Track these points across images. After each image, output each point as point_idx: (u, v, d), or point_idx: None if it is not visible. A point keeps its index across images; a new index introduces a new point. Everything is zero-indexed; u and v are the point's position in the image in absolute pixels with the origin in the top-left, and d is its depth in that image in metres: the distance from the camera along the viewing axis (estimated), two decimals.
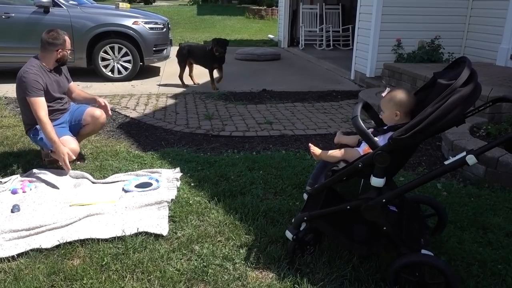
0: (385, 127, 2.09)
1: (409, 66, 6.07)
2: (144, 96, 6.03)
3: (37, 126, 3.32)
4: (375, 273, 2.12)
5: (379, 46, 6.61)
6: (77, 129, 3.62)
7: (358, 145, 2.23)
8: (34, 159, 3.59)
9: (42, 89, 3.23)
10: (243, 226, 2.58)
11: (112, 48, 6.86)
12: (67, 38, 3.39)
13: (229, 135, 4.41)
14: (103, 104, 3.54)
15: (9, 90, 6.07)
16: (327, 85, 6.90)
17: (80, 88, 6.36)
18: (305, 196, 2.57)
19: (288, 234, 2.22)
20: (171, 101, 5.77)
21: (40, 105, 3.20)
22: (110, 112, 3.61)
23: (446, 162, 1.85)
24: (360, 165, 1.97)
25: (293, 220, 2.24)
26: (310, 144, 2.27)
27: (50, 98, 3.36)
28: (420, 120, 1.81)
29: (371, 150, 2.00)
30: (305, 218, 2.18)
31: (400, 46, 6.64)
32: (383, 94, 2.12)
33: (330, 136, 4.37)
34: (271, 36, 13.84)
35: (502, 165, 3.12)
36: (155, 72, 7.86)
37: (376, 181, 1.94)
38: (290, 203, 2.86)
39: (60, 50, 3.36)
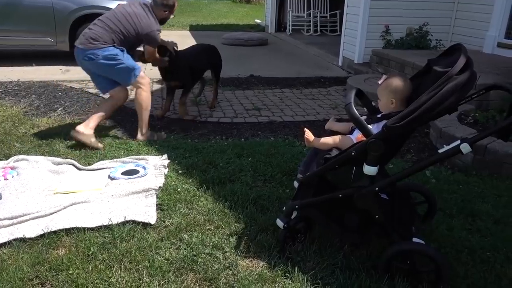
0: (379, 115, 2.06)
1: (397, 52, 6.05)
2: None
3: (120, 51, 3.51)
4: (366, 261, 2.12)
5: (368, 32, 6.57)
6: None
7: (351, 132, 2.19)
8: (15, 145, 3.48)
9: None
10: (233, 214, 2.54)
11: None
12: (176, 3, 3.74)
13: (217, 121, 4.35)
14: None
15: None
16: (315, 71, 6.86)
17: (61, 72, 6.25)
18: (296, 183, 2.54)
19: (279, 223, 2.19)
20: (157, 86, 5.65)
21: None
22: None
23: (440, 151, 1.83)
24: (353, 153, 1.94)
25: (284, 209, 2.21)
26: (305, 129, 2.22)
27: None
28: (415, 108, 1.78)
29: (364, 138, 1.97)
30: (297, 206, 2.15)
31: (389, 32, 6.61)
32: (380, 82, 2.09)
33: (319, 123, 4.34)
34: (258, 21, 13.68)
35: (490, 152, 3.14)
36: None
37: (369, 169, 1.92)
38: (280, 190, 2.83)
39: (167, 11, 3.69)
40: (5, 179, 2.91)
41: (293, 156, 3.37)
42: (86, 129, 3.48)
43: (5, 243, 2.24)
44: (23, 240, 2.26)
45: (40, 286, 1.97)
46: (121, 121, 4.25)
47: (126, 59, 3.55)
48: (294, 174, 3.04)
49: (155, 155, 3.35)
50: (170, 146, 3.55)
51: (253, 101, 5.09)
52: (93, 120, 3.55)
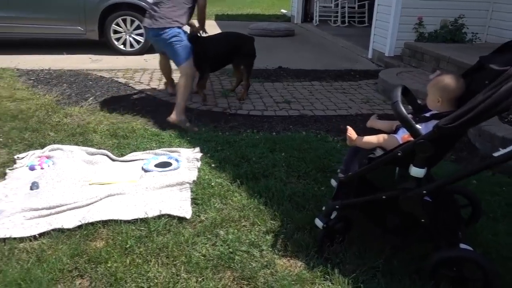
0: (428, 114, 1.97)
1: (431, 46, 5.87)
2: (157, 71, 5.84)
3: (183, 32, 3.87)
4: (409, 266, 2.05)
5: (400, 24, 6.38)
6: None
7: (395, 131, 2.11)
8: (50, 134, 3.51)
9: None
10: (268, 211, 2.50)
11: (124, 21, 6.68)
12: None
13: (247, 113, 4.30)
14: None
15: (20, 61, 5.96)
16: (344, 64, 6.72)
17: (91, 61, 6.29)
18: (333, 182, 2.49)
19: (318, 223, 2.13)
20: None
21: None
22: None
23: (495, 154, 1.74)
24: (399, 154, 1.87)
25: (323, 208, 2.16)
26: (348, 126, 2.15)
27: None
28: (470, 109, 1.69)
29: (411, 138, 1.90)
30: (337, 206, 2.09)
31: (422, 24, 6.40)
32: (431, 77, 2.01)
33: (351, 118, 4.26)
34: (284, 11, 13.51)
35: None
36: None
37: (417, 171, 1.84)
38: (315, 188, 2.77)
39: None
40: (41, 168, 2.94)
41: (327, 152, 3.30)
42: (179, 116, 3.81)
43: (44, 233, 2.26)
44: (61, 230, 2.28)
45: (80, 278, 1.98)
46: (152, 111, 4.24)
47: (186, 40, 3.89)
48: (328, 171, 2.98)
49: (187, 148, 3.33)
50: (201, 138, 3.52)
51: (283, 93, 5.02)
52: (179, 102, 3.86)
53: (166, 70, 4.69)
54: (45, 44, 7.15)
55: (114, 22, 6.64)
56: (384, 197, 1.98)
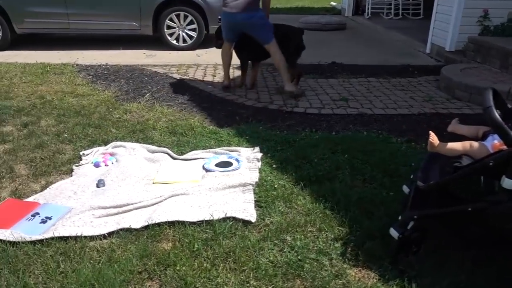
0: None
1: (499, 40, 5.49)
2: (210, 67, 5.89)
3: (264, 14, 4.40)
4: (494, 282, 1.89)
5: (463, 17, 6.01)
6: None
7: (483, 138, 1.95)
8: (112, 130, 3.57)
9: None
10: (335, 217, 2.40)
11: (177, 16, 6.74)
12: None
13: (303, 111, 4.20)
14: None
15: (79, 57, 6.15)
16: (400, 59, 6.44)
17: (145, 56, 6.39)
18: (405, 188, 2.36)
19: (394, 233, 2.01)
20: (238, 73, 5.57)
21: None
22: None
23: None
24: (491, 163, 1.72)
25: (399, 218, 2.04)
26: (430, 132, 2.01)
27: None
28: None
29: (503, 146, 1.74)
30: (415, 217, 1.96)
31: (487, 17, 6.01)
32: None
33: (414, 117, 4.05)
34: (333, 3, 13.21)
35: None
36: None
37: (510, 183, 1.69)
38: (383, 193, 2.63)
39: None
40: (105, 165, 2.99)
41: (391, 154, 3.14)
42: (290, 86, 4.56)
43: (112, 232, 2.28)
44: (128, 230, 2.29)
45: (149, 280, 1.97)
46: (208, 108, 4.23)
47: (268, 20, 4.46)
48: (395, 175, 2.84)
49: (246, 147, 3.28)
50: (260, 137, 3.46)
51: (339, 90, 4.86)
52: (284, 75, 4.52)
53: (227, 59, 4.82)
54: (101, 39, 7.36)
55: (168, 18, 6.72)
56: (470, 209, 1.83)
